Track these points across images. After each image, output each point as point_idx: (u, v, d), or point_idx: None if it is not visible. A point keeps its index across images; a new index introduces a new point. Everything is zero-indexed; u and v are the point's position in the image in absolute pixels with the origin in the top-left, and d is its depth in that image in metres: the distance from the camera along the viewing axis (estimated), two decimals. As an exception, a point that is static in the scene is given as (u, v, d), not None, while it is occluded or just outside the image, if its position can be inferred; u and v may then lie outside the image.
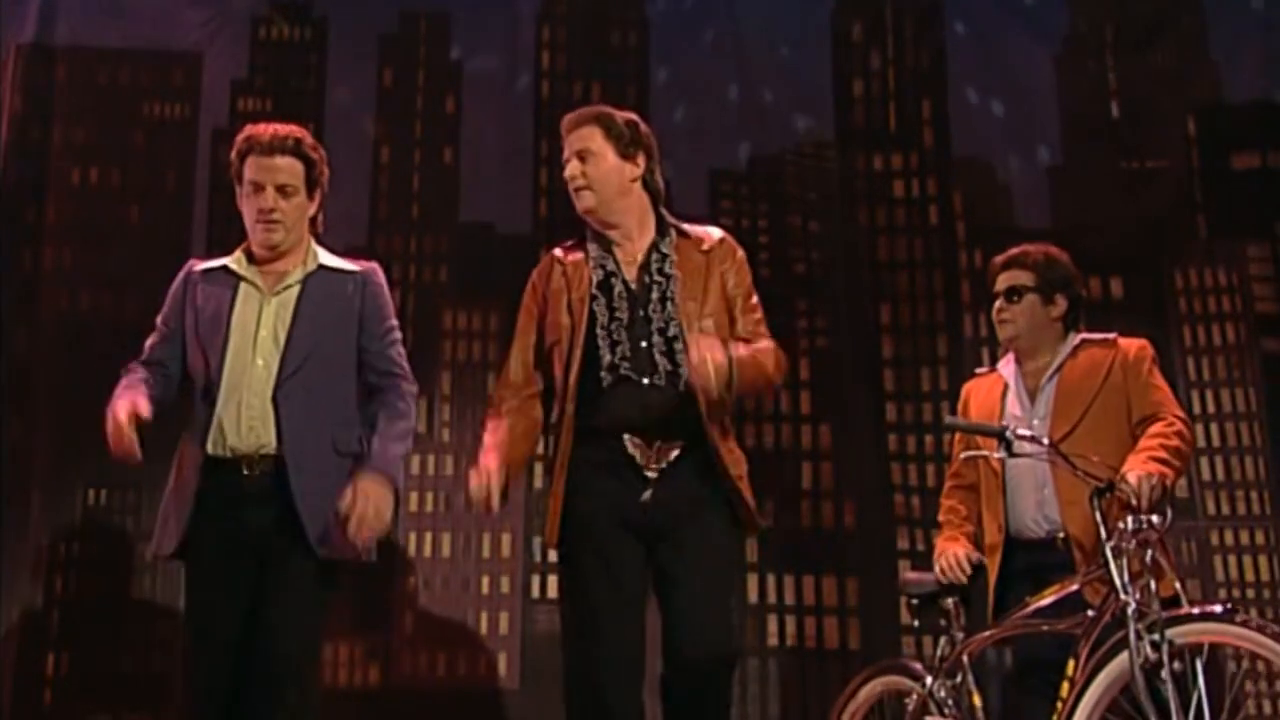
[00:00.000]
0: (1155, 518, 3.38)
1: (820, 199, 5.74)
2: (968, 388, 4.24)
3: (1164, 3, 5.87)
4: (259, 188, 3.66)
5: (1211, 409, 5.38)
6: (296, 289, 3.67)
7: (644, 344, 3.59)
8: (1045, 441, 3.63)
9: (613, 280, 3.66)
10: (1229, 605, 3.28)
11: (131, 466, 3.49)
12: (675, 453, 3.56)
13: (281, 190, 3.65)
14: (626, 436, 3.55)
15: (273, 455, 3.53)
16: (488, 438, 3.67)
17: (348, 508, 3.45)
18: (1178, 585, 3.52)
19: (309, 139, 3.75)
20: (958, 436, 4.19)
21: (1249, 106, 5.72)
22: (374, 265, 3.83)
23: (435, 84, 5.77)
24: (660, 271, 3.67)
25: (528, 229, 5.61)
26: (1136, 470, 3.52)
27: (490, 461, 3.56)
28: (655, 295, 3.64)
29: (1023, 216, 5.67)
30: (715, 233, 3.81)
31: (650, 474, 3.54)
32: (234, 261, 3.72)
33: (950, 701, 3.83)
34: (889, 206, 5.73)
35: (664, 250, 3.70)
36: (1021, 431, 3.64)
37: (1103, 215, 5.53)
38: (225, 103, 5.58)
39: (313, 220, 3.78)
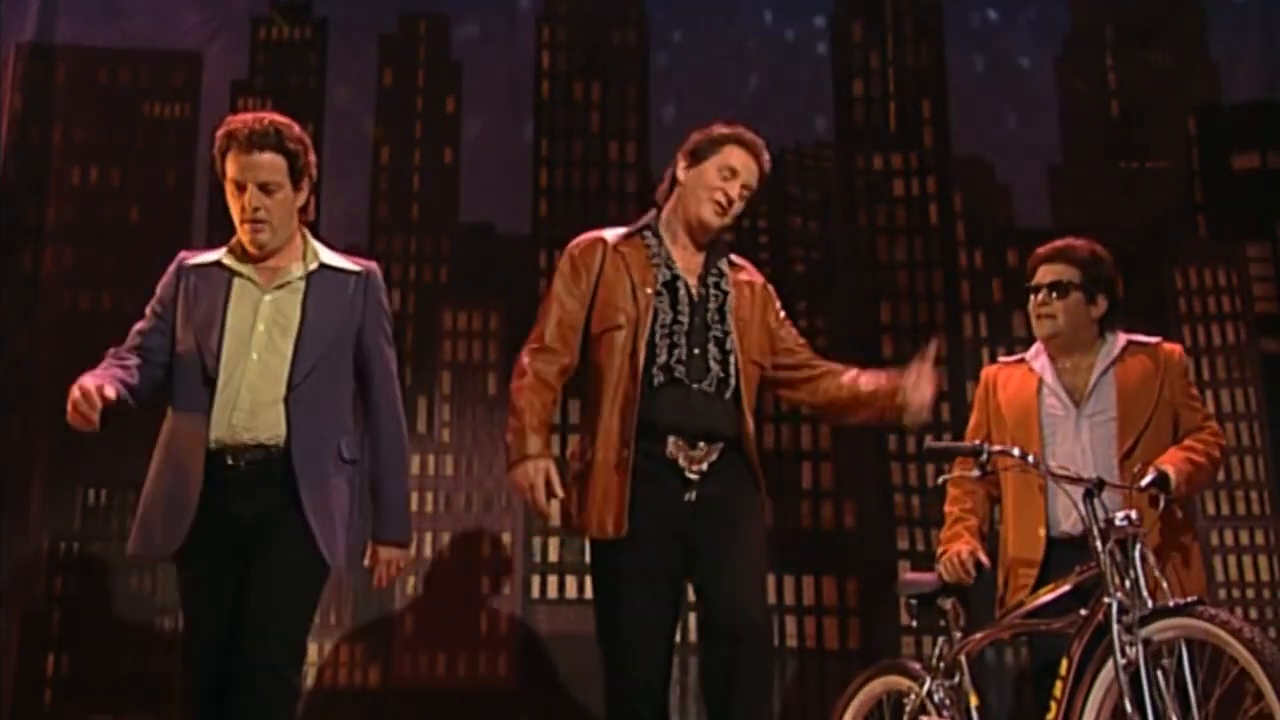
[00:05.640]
0: (1133, 513, 3.39)
1: (820, 199, 5.75)
2: (992, 373, 4.20)
3: (1164, 3, 5.87)
4: (241, 187, 3.58)
5: (1211, 409, 5.35)
6: (300, 287, 3.62)
7: (697, 350, 3.69)
8: (1030, 458, 3.62)
9: (677, 283, 3.74)
10: (1196, 599, 3.27)
11: (87, 430, 3.39)
12: (716, 455, 3.64)
13: (264, 188, 3.57)
14: (671, 438, 3.62)
15: (268, 449, 3.50)
16: (531, 420, 3.61)
17: (376, 577, 3.70)
18: (1164, 584, 3.47)
19: (291, 129, 3.64)
20: (972, 423, 4.19)
21: (1249, 106, 5.73)
22: (374, 266, 3.78)
23: (435, 84, 5.77)
24: (718, 286, 3.78)
25: (528, 229, 5.61)
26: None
27: (552, 474, 3.59)
28: (714, 305, 3.75)
29: (1023, 216, 5.68)
30: (756, 273, 3.96)
31: (692, 476, 3.62)
32: (226, 256, 3.66)
33: (948, 702, 3.84)
34: (889, 206, 5.73)
35: (722, 267, 3.83)
36: (996, 448, 3.65)
37: (1103, 215, 5.52)
38: (225, 103, 5.56)
39: (303, 210, 3.70)
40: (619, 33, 5.87)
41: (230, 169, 3.59)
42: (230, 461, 3.49)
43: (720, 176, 3.79)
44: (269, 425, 3.51)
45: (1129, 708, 3.18)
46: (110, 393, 3.37)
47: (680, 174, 3.85)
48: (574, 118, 5.77)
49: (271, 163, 3.57)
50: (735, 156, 3.80)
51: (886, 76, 5.87)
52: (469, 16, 5.83)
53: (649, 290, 3.70)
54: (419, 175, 5.70)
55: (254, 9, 5.75)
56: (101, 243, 5.48)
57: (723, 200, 3.78)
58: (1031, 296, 4.07)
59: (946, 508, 4.14)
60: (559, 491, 3.59)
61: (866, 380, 3.87)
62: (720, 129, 3.86)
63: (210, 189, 5.45)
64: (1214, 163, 5.69)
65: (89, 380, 3.40)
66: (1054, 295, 4.01)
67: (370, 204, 5.63)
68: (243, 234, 3.63)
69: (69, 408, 3.36)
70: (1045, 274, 4.04)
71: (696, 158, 3.82)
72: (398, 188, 5.67)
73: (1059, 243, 4.11)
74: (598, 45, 5.85)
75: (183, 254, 3.76)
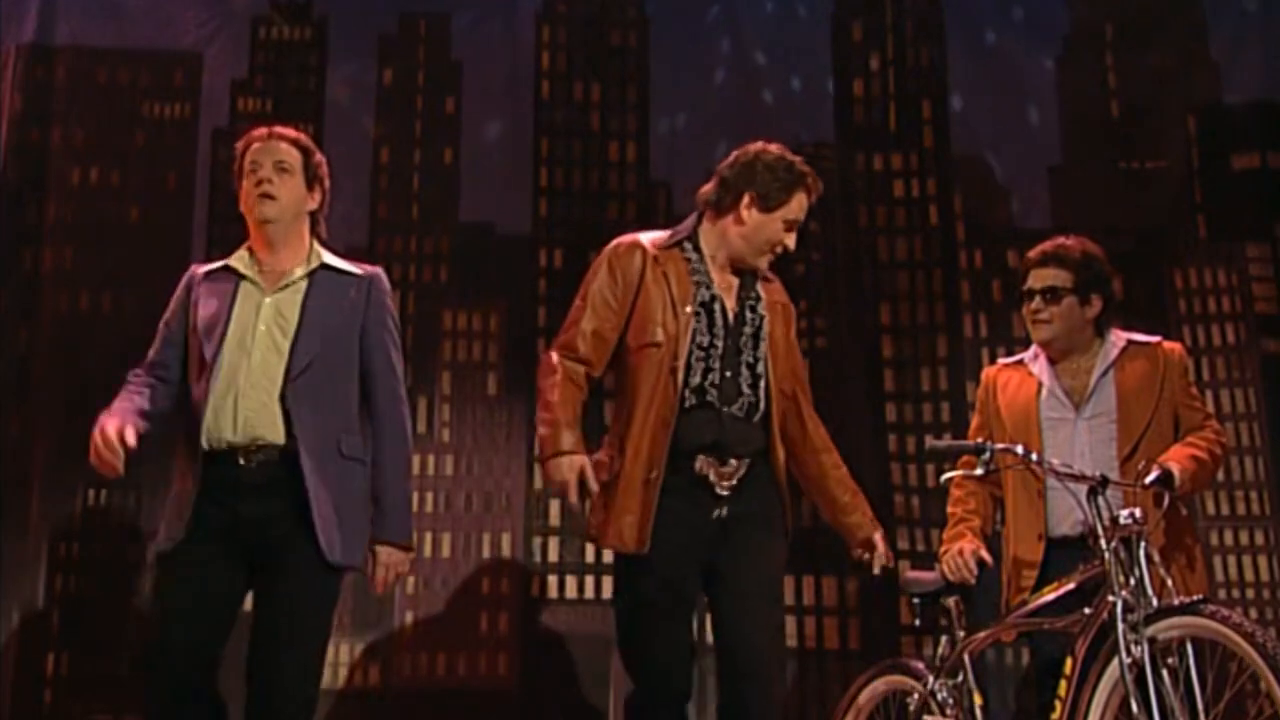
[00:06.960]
0: (1137, 511, 3.39)
1: (820, 199, 5.73)
2: (993, 375, 4.18)
3: (1164, 3, 5.87)
4: (257, 166, 3.70)
5: (1211, 409, 5.35)
6: (302, 286, 3.67)
7: (730, 373, 3.66)
8: (1034, 456, 3.62)
9: (715, 303, 3.70)
10: (1202, 598, 3.28)
11: (111, 476, 3.50)
12: (745, 469, 3.65)
13: (278, 166, 3.69)
14: (700, 456, 3.60)
15: (272, 448, 3.52)
16: (565, 415, 3.56)
17: (375, 580, 3.65)
18: (1169, 583, 3.47)
19: (309, 141, 3.82)
20: (974, 424, 4.19)
21: (1249, 106, 5.73)
22: (379, 271, 3.83)
23: (435, 84, 5.77)
24: (753, 308, 3.74)
25: (528, 229, 5.61)
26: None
27: (587, 471, 3.53)
28: (749, 330, 3.72)
29: (1023, 216, 5.68)
30: (783, 290, 3.91)
31: (723, 492, 3.62)
32: (236, 260, 3.73)
33: (951, 701, 3.84)
34: (889, 206, 5.72)
35: (758, 289, 3.78)
36: (999, 446, 3.65)
37: (1103, 215, 5.51)
38: (225, 103, 5.58)
39: (315, 219, 3.79)
40: (619, 33, 5.87)
41: (249, 156, 3.74)
42: (242, 461, 3.52)
43: (784, 228, 3.74)
44: (269, 423, 3.53)
45: (1135, 707, 3.18)
46: (131, 438, 3.46)
47: (745, 213, 3.70)
48: (574, 118, 5.77)
49: (289, 150, 3.74)
50: (800, 204, 3.75)
51: (886, 76, 5.86)
52: (469, 16, 5.82)
53: (688, 309, 3.65)
54: (419, 175, 5.70)
55: (254, 9, 5.75)
56: (101, 243, 5.47)
57: (780, 251, 3.77)
58: (1025, 302, 4.05)
59: (949, 508, 4.14)
60: (594, 487, 3.53)
61: (846, 508, 3.94)
62: (791, 167, 3.75)
63: (210, 189, 5.49)
64: (1214, 163, 5.69)
65: (110, 424, 3.48)
66: (1047, 301, 3.98)
67: (370, 204, 5.63)
68: (252, 212, 3.71)
69: (92, 451, 3.47)
70: (1037, 279, 4.01)
71: (767, 204, 3.71)
72: (398, 188, 5.67)
73: (1048, 245, 4.06)
74: (598, 45, 5.85)
75: (194, 265, 3.84)
